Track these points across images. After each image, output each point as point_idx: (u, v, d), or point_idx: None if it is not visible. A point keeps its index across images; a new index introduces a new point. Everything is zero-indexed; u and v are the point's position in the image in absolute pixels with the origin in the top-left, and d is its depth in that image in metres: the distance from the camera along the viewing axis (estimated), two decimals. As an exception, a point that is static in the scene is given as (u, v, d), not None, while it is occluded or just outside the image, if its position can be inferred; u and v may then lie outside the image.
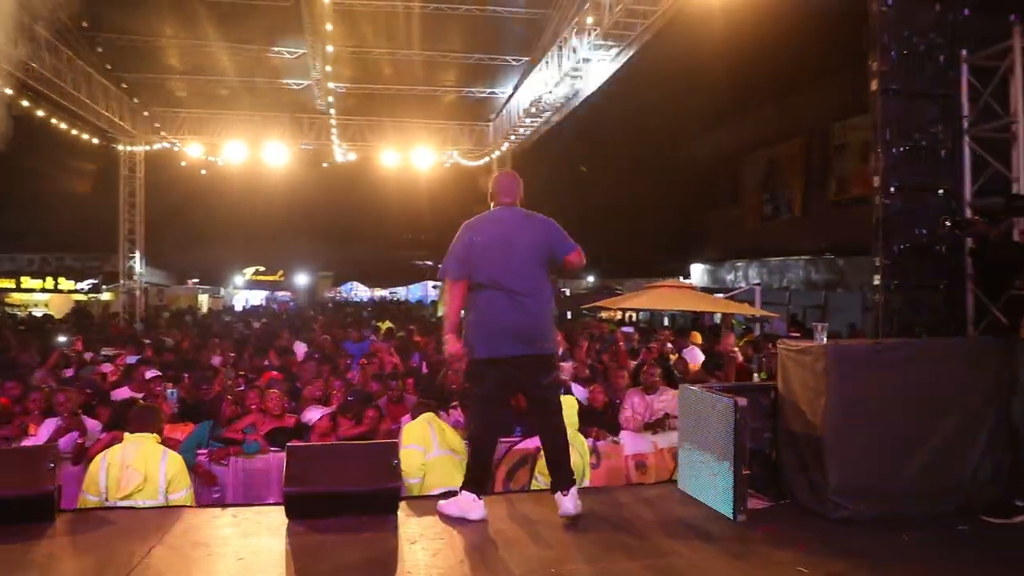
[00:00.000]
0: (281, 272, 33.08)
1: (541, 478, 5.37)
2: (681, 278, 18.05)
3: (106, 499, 4.54)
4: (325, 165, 20.01)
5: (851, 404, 4.26)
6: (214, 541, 3.86)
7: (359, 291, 39.77)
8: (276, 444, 6.04)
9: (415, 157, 19.05)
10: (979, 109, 5.26)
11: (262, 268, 32.95)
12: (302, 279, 33.36)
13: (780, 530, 4.01)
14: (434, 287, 42.32)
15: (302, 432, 6.27)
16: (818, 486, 4.30)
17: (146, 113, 17.91)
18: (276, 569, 3.50)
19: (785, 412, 4.63)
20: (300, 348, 11.26)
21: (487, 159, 19.72)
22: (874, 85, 5.21)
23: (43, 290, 25.47)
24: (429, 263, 41.39)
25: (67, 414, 6.03)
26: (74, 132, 16.79)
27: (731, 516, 4.18)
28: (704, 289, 15.81)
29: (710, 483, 4.41)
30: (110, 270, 23.33)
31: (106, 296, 24.88)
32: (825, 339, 4.57)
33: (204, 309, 27.67)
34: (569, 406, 5.30)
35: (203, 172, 19.49)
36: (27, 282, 25.59)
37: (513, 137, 17.67)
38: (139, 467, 4.58)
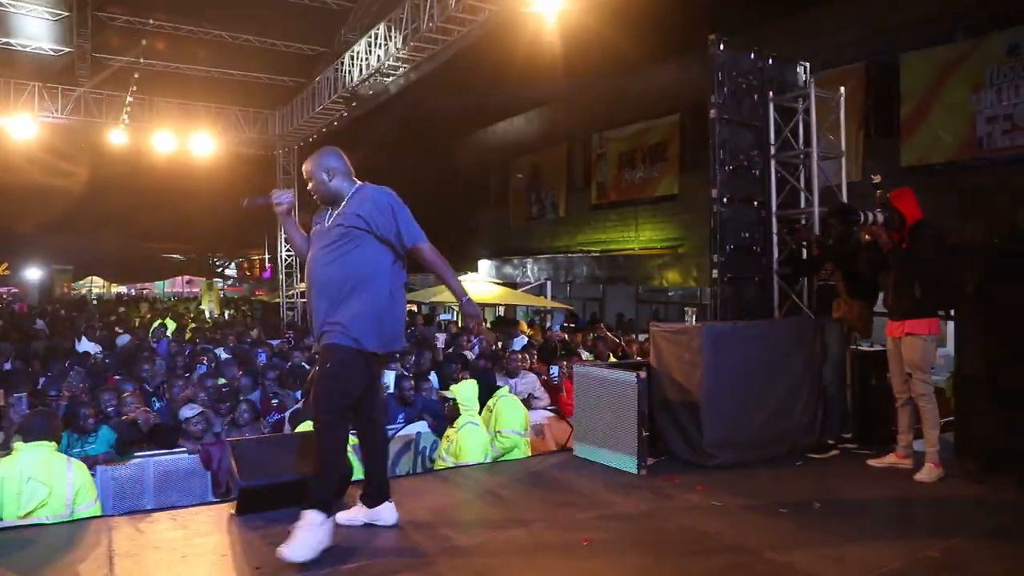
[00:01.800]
0: (5, 265, 28.27)
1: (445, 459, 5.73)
2: (470, 273, 19.02)
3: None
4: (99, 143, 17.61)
5: (718, 373, 5.27)
6: (178, 544, 3.73)
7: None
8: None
9: (193, 143, 17.71)
10: (781, 139, 6.66)
11: (-21, 259, 27.93)
12: (33, 273, 28.80)
13: (675, 477, 4.90)
14: (188, 281, 39.22)
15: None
16: (694, 441, 5.26)
17: None
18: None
19: (660, 383, 5.54)
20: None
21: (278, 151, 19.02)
22: (712, 114, 6.35)
23: None
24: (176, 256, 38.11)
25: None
26: None
27: (635, 471, 4.98)
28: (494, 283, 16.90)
29: (611, 447, 5.18)
30: None
31: None
32: (694, 321, 5.57)
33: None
34: (470, 390, 5.73)
35: None
36: None
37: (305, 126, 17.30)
38: (43, 479, 4.18)
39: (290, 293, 19.71)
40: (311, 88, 16.33)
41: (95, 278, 34.99)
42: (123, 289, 37.06)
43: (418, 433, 6.63)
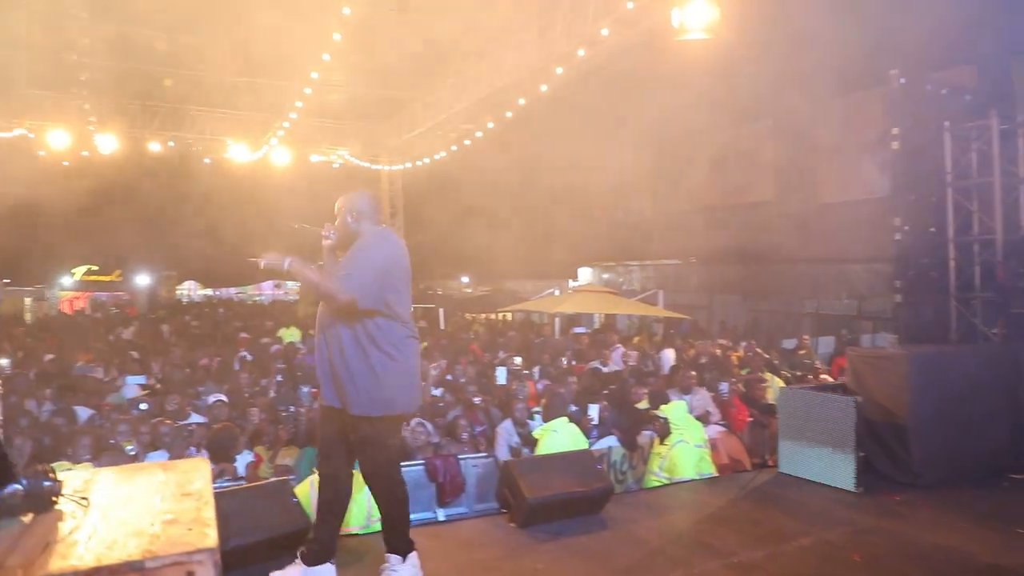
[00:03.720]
0: (118, 272, 30.05)
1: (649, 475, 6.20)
2: (571, 281, 19.45)
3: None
4: (207, 161, 18.86)
5: (925, 397, 5.61)
6: (471, 550, 4.29)
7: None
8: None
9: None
10: (959, 167, 6.92)
11: (95, 267, 29.72)
12: (142, 279, 30.56)
13: (894, 495, 5.27)
14: (276, 284, 40.70)
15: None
16: (901, 461, 5.61)
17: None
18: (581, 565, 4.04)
19: (862, 407, 5.90)
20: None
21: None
22: (894, 145, 6.66)
23: None
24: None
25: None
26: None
27: (853, 489, 5.37)
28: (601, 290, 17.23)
29: (826, 466, 5.57)
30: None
31: None
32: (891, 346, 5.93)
33: (28, 316, 24.62)
34: (681, 409, 6.19)
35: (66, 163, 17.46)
36: None
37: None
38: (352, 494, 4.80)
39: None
40: (421, 104, 16.88)
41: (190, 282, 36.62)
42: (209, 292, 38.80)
43: (609, 447, 7.11)
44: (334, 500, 3.76)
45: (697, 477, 5.93)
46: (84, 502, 1.83)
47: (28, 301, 26.40)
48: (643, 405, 7.26)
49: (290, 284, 36.05)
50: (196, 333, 18.01)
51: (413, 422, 6.86)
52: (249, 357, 11.46)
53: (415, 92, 16.09)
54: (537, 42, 11.97)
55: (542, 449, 5.99)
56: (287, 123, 14.83)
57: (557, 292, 15.47)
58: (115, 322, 20.16)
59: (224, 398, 7.21)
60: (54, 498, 1.75)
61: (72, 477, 2.04)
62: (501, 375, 8.54)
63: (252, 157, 17.69)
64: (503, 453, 6.77)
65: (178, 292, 33.75)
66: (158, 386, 8.20)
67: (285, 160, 18.23)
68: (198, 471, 2.16)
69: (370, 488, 3.75)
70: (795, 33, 9.95)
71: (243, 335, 16.56)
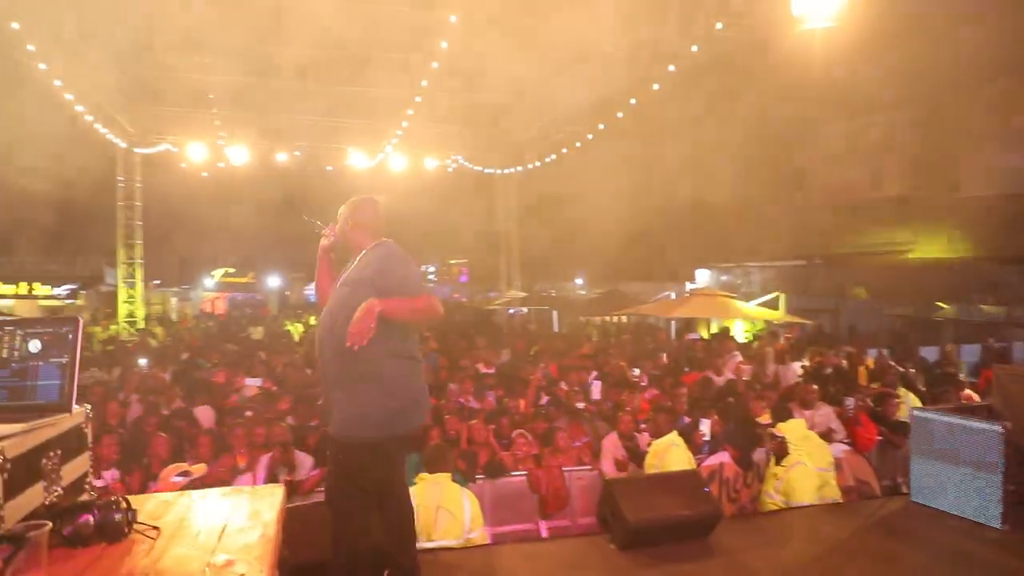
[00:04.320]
0: (252, 274, 32.14)
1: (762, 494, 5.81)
2: (688, 283, 18.82)
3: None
4: (297, 154, 19.51)
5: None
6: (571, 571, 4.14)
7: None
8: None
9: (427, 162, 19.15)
10: None
11: (232, 269, 31.91)
12: (273, 280, 32.57)
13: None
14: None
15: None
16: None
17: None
18: None
19: (1012, 434, 5.25)
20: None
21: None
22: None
23: (16, 296, 23.87)
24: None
25: (279, 448, 6.07)
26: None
27: (998, 525, 4.77)
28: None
29: (967, 498, 4.99)
30: (87, 275, 22.21)
31: (80, 302, 23.63)
32: None
33: (174, 315, 26.69)
34: (800, 428, 5.76)
35: (204, 174, 18.78)
36: (-1, 287, 23.97)
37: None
38: (448, 507, 4.77)
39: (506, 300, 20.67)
40: (532, 107, 16.85)
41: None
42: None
43: (721, 464, 6.74)
44: (398, 524, 3.62)
45: (818, 503, 5.49)
46: (154, 533, 1.84)
47: (174, 301, 28.64)
48: (764, 420, 6.83)
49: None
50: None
51: (514, 432, 6.79)
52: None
53: (526, 96, 16.07)
54: (650, 39, 11.61)
55: (651, 466, 5.75)
56: (400, 131, 15.20)
57: (673, 295, 14.98)
58: (246, 323, 21.51)
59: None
60: (126, 528, 1.76)
61: (148, 501, 2.07)
62: (595, 390, 8.29)
63: (370, 164, 18.31)
64: (608, 467, 6.57)
65: (306, 292, 35.56)
66: (274, 388, 8.55)
67: (401, 166, 18.74)
68: (271, 499, 2.13)
69: None
70: (934, 16, 9.12)
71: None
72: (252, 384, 8.56)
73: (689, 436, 6.50)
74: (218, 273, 31.96)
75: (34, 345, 1.93)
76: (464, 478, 5.98)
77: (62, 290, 24.44)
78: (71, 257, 24.05)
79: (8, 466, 1.57)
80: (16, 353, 1.93)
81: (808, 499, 5.46)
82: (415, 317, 3.31)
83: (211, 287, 32.04)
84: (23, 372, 1.92)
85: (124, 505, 1.80)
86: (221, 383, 8.75)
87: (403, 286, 3.26)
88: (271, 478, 5.80)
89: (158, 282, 29.81)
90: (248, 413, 6.88)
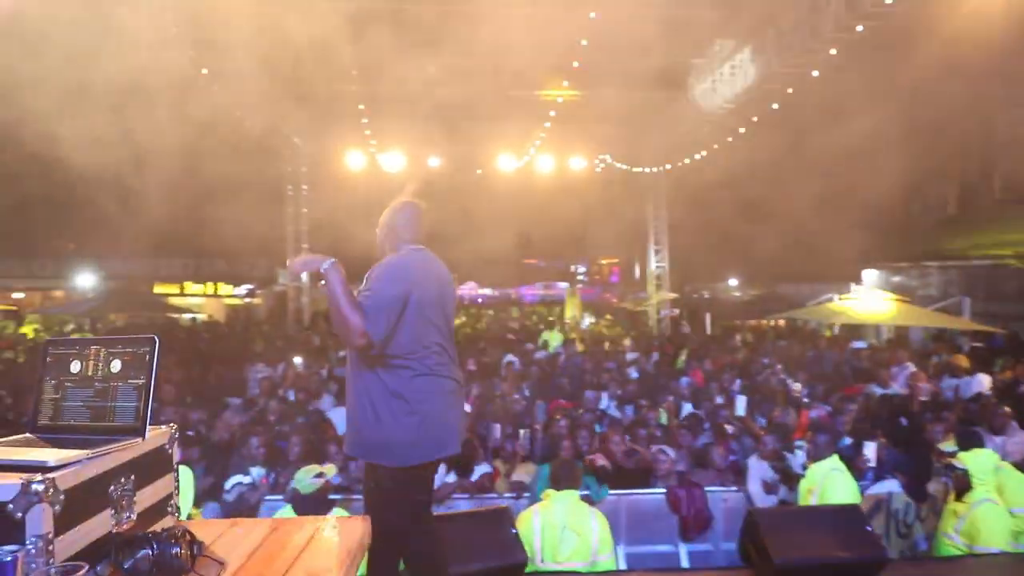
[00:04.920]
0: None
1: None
2: (853, 285, 17.24)
3: (541, 560, 4.48)
4: (479, 172, 20.00)
5: None
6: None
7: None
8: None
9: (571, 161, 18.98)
10: None
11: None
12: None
13: None
14: (546, 287, 42.41)
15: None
16: None
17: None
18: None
19: None
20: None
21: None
22: None
23: (204, 295, 26.58)
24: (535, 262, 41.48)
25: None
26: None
27: None
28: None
29: None
30: (261, 275, 24.13)
31: (257, 301, 25.76)
32: None
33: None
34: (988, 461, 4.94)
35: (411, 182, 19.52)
36: (189, 287, 26.80)
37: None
38: (574, 528, 4.52)
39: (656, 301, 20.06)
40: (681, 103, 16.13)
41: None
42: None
43: (889, 493, 5.97)
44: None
45: (1012, 550, 4.67)
46: (220, 567, 1.74)
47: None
48: (948, 446, 5.96)
49: (560, 284, 37.24)
50: (467, 333, 19.26)
51: (654, 448, 6.41)
52: (516, 363, 11.53)
53: (674, 91, 15.44)
54: (807, 22, 10.66)
55: (804, 494, 5.16)
56: (543, 133, 15.06)
57: (836, 298, 13.71)
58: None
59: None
60: (189, 563, 1.66)
61: (221, 530, 2.00)
62: (740, 405, 7.62)
63: (517, 165, 18.39)
64: (755, 489, 6.03)
65: (460, 291, 36.58)
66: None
67: (548, 167, 18.67)
68: (358, 534, 1.99)
69: None
70: None
71: (510, 336, 17.27)
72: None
73: (852, 461, 5.81)
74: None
75: (115, 365, 1.90)
76: (596, 492, 5.71)
77: (241, 290, 26.78)
78: (251, 260, 26.20)
79: (62, 498, 1.50)
80: (100, 372, 1.91)
81: (999, 545, 4.66)
82: (336, 317, 2.99)
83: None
84: (104, 392, 1.89)
85: (188, 537, 1.71)
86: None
87: (364, 293, 3.03)
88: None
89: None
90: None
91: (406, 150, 18.06)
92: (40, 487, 1.45)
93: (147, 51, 10.18)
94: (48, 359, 1.96)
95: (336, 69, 12.63)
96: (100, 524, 1.66)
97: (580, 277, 40.82)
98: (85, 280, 24.58)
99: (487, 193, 22.73)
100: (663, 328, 19.16)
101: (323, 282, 2.98)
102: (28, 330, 20.69)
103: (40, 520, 1.45)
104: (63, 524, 1.51)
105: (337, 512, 4.94)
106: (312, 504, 4.81)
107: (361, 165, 18.61)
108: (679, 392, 8.87)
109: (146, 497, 1.85)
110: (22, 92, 8.63)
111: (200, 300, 26.63)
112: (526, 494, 5.87)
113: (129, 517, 1.78)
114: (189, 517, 4.47)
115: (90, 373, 1.90)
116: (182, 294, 26.51)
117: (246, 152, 17.29)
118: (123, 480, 1.76)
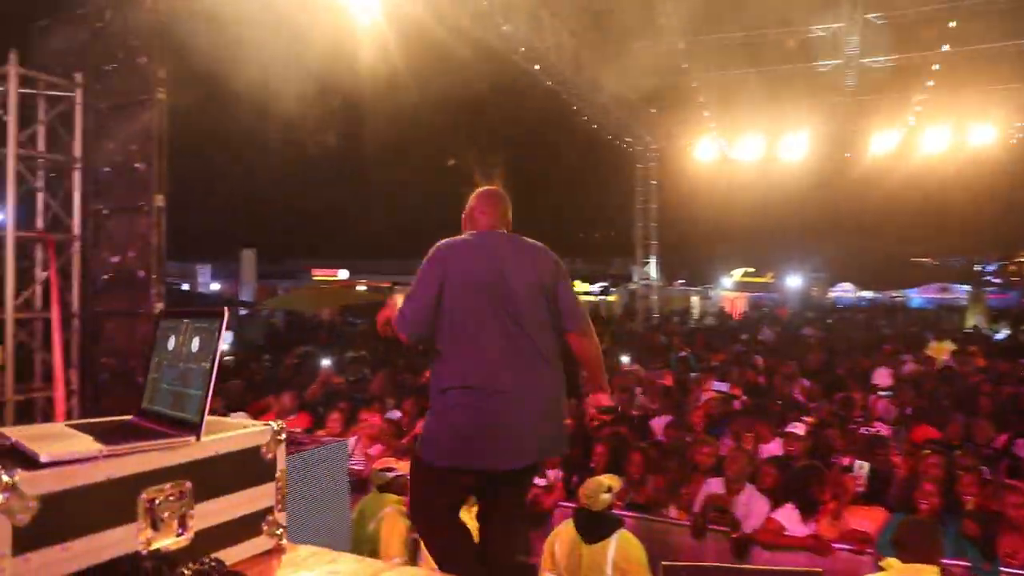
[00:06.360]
0: (771, 274, 31.28)
1: None
2: None
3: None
4: (847, 155, 17.55)
5: None
6: None
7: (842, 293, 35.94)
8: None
9: (971, 133, 15.47)
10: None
11: (751, 269, 31.59)
12: (793, 281, 31.02)
13: None
14: (942, 288, 35.91)
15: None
16: None
17: (653, 110, 17.63)
18: None
19: None
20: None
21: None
22: None
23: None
24: (926, 260, 35.41)
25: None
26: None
27: None
28: None
29: None
30: (616, 273, 24.55)
31: (612, 298, 26.35)
32: None
33: (696, 312, 27.48)
34: None
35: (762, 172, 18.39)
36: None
37: None
38: None
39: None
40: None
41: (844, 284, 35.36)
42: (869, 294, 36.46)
43: None
44: None
45: None
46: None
47: (695, 299, 29.55)
48: None
49: (959, 287, 30.95)
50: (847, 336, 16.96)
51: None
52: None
53: None
54: None
55: None
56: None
57: None
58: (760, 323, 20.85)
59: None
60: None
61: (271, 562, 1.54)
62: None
63: (893, 143, 15.67)
64: None
65: (831, 294, 32.85)
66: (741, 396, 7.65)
67: (936, 142, 15.52)
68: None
69: None
70: None
71: (886, 347, 14.53)
72: (717, 389, 7.68)
73: None
74: (737, 273, 31.75)
75: (195, 343, 1.56)
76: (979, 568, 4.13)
77: (596, 287, 27.50)
78: (606, 257, 26.93)
79: (32, 505, 1.16)
80: (184, 350, 1.59)
81: None
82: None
83: (729, 287, 31.99)
84: (184, 377, 1.56)
85: (222, 568, 1.28)
86: (668, 384, 8.24)
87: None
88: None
89: (682, 281, 31.24)
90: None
91: (758, 135, 16.60)
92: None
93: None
94: (157, 332, 1.72)
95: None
96: (116, 541, 1.32)
97: (987, 279, 33.31)
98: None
99: (856, 180, 19.95)
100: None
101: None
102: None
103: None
104: (36, 538, 1.18)
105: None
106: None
107: (710, 156, 17.61)
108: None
109: (212, 512, 1.48)
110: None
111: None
112: (868, 550, 4.51)
113: (181, 533, 1.42)
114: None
115: (178, 350, 1.61)
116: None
117: (598, 154, 17.68)
118: (167, 487, 1.40)
